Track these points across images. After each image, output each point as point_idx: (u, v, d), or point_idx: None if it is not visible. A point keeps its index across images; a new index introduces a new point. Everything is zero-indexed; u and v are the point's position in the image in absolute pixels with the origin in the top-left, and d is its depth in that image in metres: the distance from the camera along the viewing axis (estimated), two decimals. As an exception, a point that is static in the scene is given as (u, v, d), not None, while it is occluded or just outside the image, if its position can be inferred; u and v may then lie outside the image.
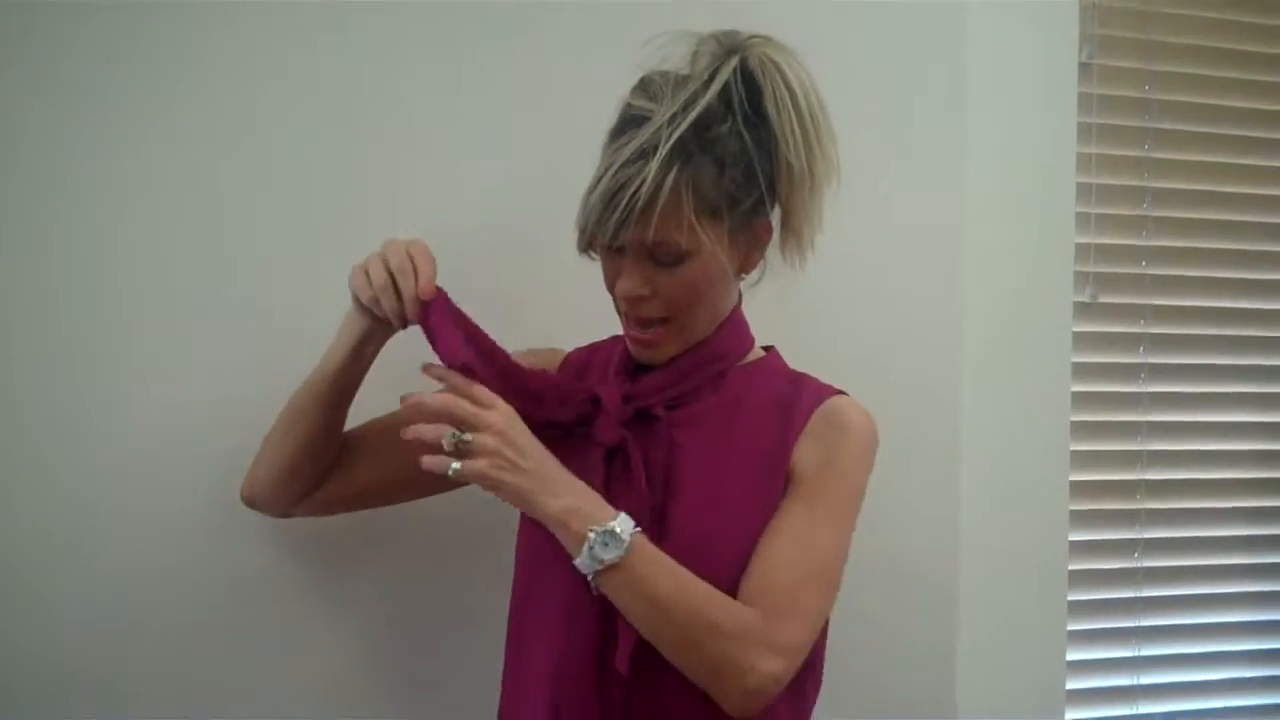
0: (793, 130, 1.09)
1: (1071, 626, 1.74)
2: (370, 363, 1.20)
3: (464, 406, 1.04)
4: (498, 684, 1.22)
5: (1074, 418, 1.72)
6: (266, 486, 1.25)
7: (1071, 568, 1.73)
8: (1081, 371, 1.75)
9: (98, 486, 1.32)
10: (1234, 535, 1.90)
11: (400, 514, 1.34)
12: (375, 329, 1.15)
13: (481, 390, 1.06)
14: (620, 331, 1.21)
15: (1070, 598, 1.73)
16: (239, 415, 1.32)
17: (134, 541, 1.34)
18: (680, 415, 1.16)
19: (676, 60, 1.12)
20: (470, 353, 1.10)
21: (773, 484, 1.13)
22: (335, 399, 1.20)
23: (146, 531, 1.34)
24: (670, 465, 1.13)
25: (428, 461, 1.03)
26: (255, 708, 1.37)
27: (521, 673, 1.18)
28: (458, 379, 1.07)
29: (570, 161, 1.14)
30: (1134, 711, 1.84)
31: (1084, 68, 1.75)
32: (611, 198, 1.05)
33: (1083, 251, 1.75)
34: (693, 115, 1.05)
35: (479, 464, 1.02)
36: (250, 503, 1.28)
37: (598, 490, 1.08)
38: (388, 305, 1.10)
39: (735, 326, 1.20)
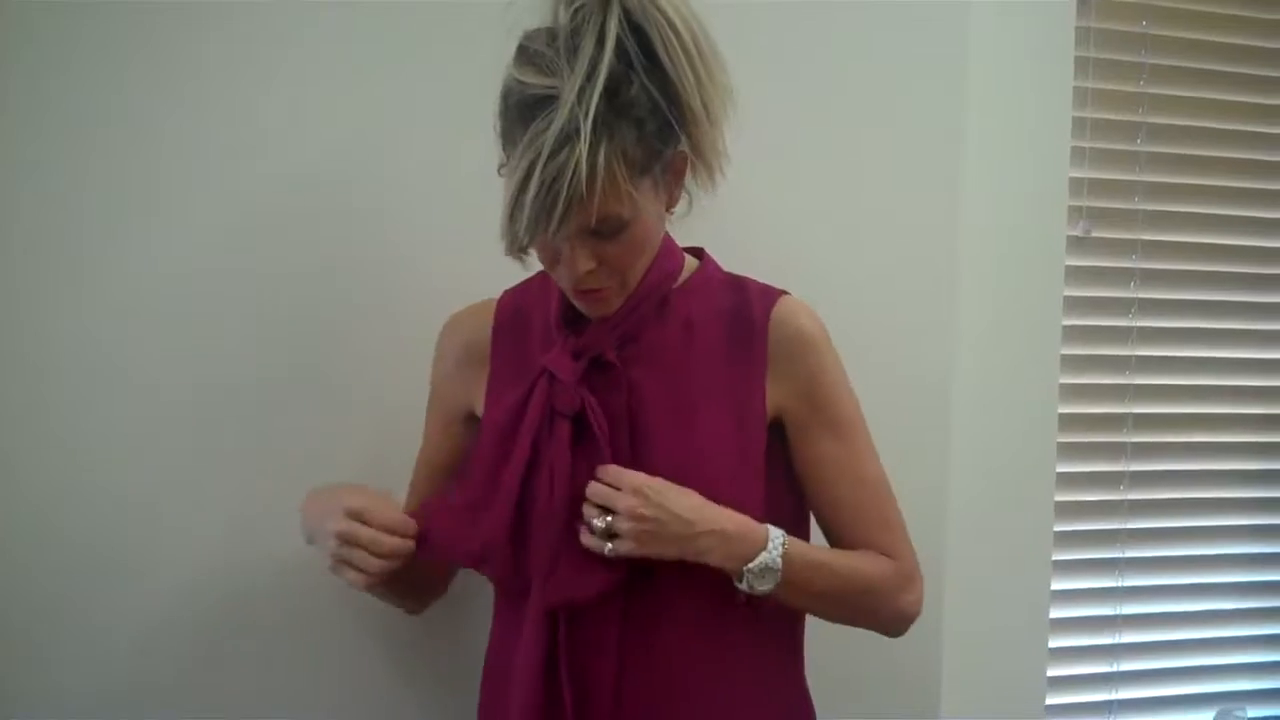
0: (686, 74, 1.05)
1: (1056, 556, 1.77)
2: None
3: (599, 493, 1.09)
4: None
5: (1064, 351, 1.74)
6: (419, 610, 1.37)
7: (1058, 499, 1.75)
8: (1072, 305, 1.76)
9: (99, 486, 1.33)
10: (1220, 470, 1.92)
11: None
12: None
13: (614, 472, 1.10)
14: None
15: (1056, 528, 1.76)
16: (240, 415, 1.35)
17: (133, 543, 1.34)
18: (632, 353, 1.16)
19: (545, 14, 1.07)
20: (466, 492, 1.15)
21: (745, 415, 1.15)
22: (403, 580, 1.20)
23: (147, 533, 1.35)
24: (634, 409, 1.14)
25: (587, 541, 1.09)
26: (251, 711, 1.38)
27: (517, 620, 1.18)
28: (599, 470, 1.11)
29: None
30: (1115, 641, 1.87)
31: (1083, 2, 1.74)
32: (548, 194, 1.01)
33: (1076, 186, 1.76)
34: (599, 85, 1.00)
35: (625, 544, 1.08)
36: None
37: (564, 471, 1.11)
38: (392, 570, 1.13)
39: (665, 252, 1.18)
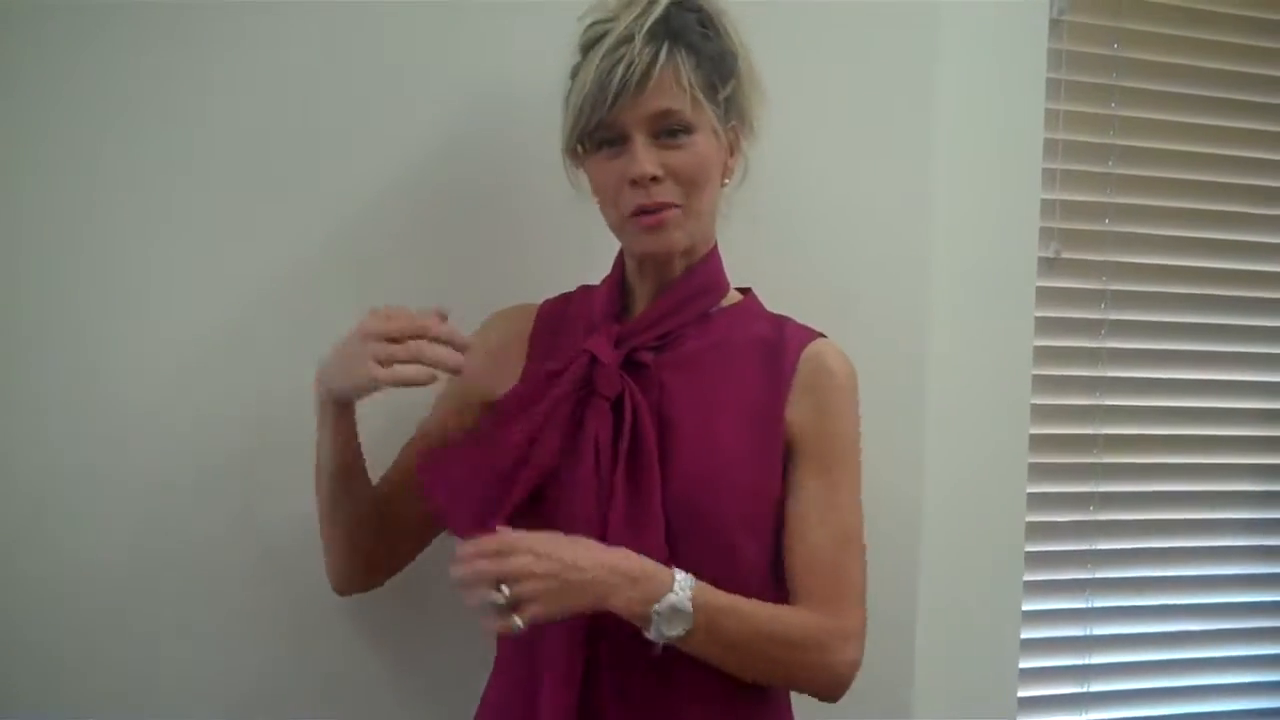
0: (731, 33, 1.16)
1: (1027, 577, 1.77)
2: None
3: (488, 570, 1.01)
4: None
5: (1035, 371, 1.74)
6: (355, 582, 1.29)
7: (1029, 519, 1.75)
8: (1043, 326, 1.76)
9: (100, 484, 1.32)
10: (1188, 490, 1.93)
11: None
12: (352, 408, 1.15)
13: (497, 541, 1.03)
14: (588, 281, 1.22)
15: (1026, 549, 1.75)
16: (240, 415, 1.34)
17: (129, 540, 1.33)
18: (667, 359, 1.17)
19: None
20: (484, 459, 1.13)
21: (766, 435, 1.16)
22: (353, 481, 1.20)
23: (147, 532, 1.34)
24: (661, 409, 1.14)
25: (495, 627, 1.02)
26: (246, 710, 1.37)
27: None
28: (469, 547, 1.03)
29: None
30: (1086, 662, 1.87)
31: (1054, 24, 1.75)
32: (608, 74, 1.08)
33: (1048, 207, 1.76)
34: (657, 12, 1.10)
35: (533, 609, 1.01)
36: (345, 594, 1.31)
37: (607, 445, 1.11)
38: (420, 370, 1.05)
39: (717, 259, 1.23)
